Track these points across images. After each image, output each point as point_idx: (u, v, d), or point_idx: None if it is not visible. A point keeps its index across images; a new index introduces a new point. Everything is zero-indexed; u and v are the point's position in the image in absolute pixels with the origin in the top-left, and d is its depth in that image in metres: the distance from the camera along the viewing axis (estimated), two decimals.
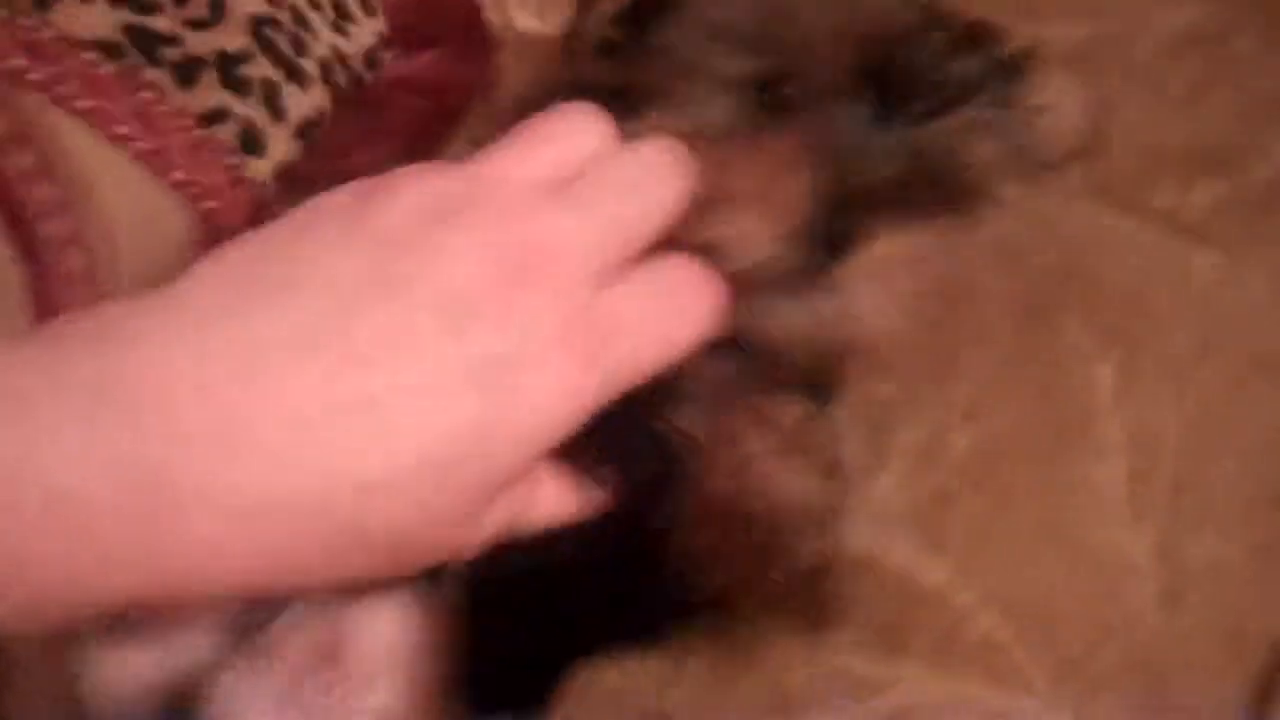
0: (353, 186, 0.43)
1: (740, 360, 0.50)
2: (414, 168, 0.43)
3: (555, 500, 0.46)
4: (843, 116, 0.50)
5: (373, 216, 0.41)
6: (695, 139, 0.47)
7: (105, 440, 0.35)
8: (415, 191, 0.41)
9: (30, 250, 0.57)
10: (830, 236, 0.47)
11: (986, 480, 0.59)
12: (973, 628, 0.56)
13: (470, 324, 0.40)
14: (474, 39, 0.75)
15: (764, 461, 0.50)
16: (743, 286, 0.45)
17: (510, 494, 0.43)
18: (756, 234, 0.47)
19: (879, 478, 0.60)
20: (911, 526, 0.58)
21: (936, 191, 0.52)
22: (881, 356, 0.62)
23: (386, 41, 0.74)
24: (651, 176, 0.45)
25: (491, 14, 0.76)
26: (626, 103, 0.50)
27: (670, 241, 0.45)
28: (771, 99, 0.51)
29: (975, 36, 0.57)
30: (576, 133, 0.45)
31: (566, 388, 0.41)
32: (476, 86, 0.75)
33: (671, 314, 0.44)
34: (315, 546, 0.39)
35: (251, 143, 0.66)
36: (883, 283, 0.48)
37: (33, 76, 0.59)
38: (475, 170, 0.43)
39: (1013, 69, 0.55)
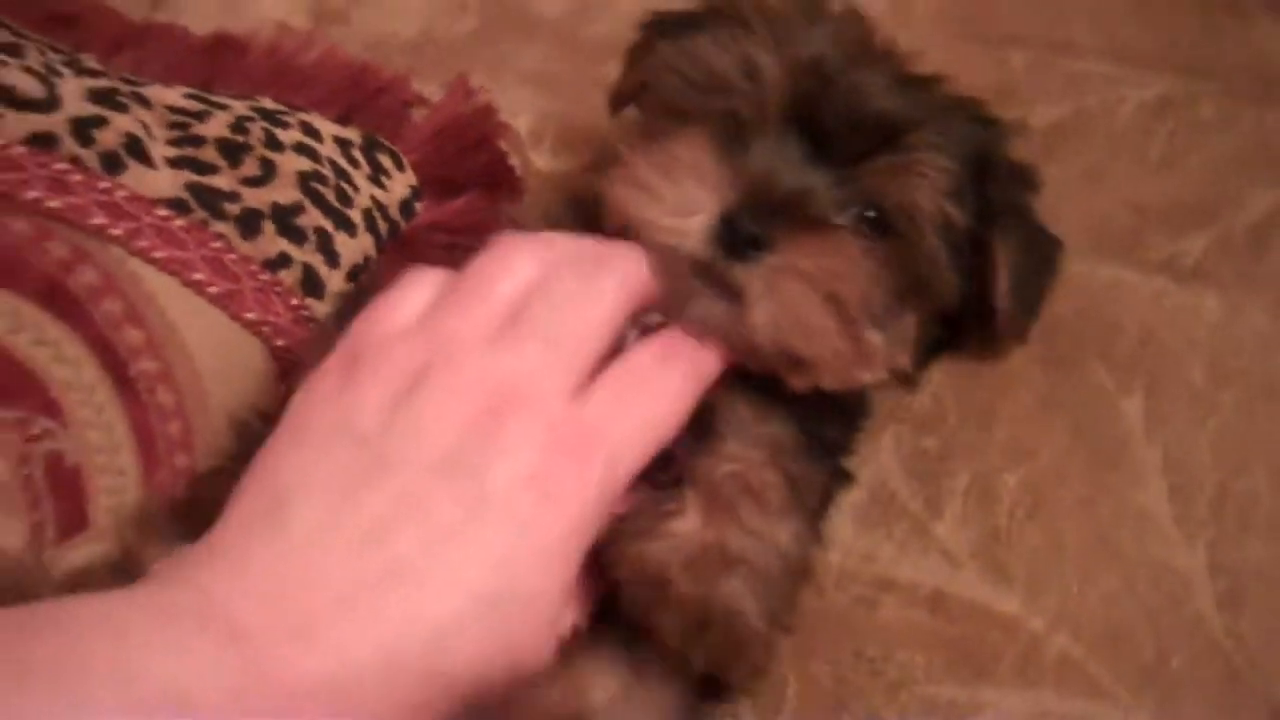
0: (333, 364, 0.50)
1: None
2: (378, 338, 0.50)
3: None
4: (776, 150, 0.58)
5: (350, 410, 0.47)
6: (644, 149, 0.59)
7: (208, 655, 0.40)
8: (384, 370, 0.48)
9: (125, 388, 0.61)
10: (742, 238, 0.54)
11: (1039, 513, 0.63)
12: (1048, 649, 0.58)
13: (464, 472, 0.45)
14: (501, 182, 0.81)
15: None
16: (667, 265, 0.54)
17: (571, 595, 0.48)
18: (672, 217, 0.55)
19: (939, 522, 0.63)
20: (976, 562, 0.61)
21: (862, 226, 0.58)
22: (922, 412, 0.66)
23: (419, 193, 0.80)
24: (591, 278, 0.51)
25: (513, 158, 0.82)
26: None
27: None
28: (727, 130, 0.59)
29: (913, 78, 0.63)
30: (509, 270, 0.51)
31: (576, 485, 0.47)
32: (506, 224, 0.80)
33: (651, 399, 0.50)
34: (401, 703, 0.42)
35: (311, 285, 0.71)
36: (776, 291, 0.54)
37: (113, 232, 0.64)
38: (433, 330, 0.49)
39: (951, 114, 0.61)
